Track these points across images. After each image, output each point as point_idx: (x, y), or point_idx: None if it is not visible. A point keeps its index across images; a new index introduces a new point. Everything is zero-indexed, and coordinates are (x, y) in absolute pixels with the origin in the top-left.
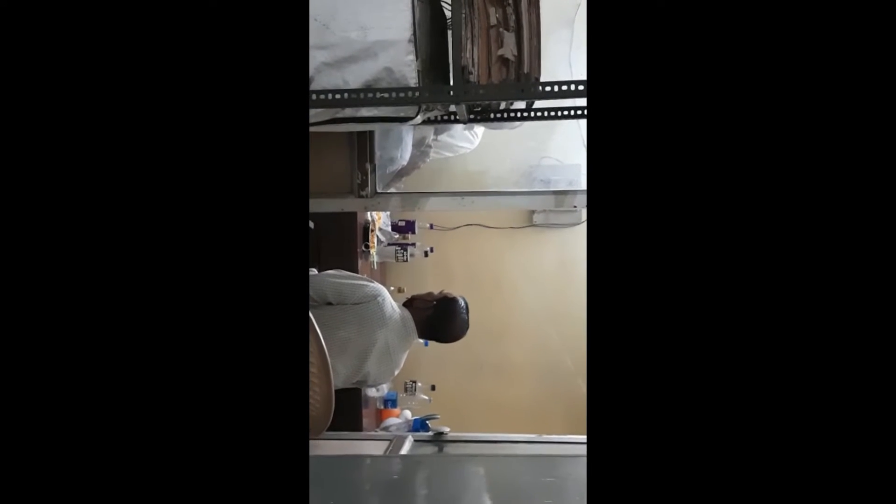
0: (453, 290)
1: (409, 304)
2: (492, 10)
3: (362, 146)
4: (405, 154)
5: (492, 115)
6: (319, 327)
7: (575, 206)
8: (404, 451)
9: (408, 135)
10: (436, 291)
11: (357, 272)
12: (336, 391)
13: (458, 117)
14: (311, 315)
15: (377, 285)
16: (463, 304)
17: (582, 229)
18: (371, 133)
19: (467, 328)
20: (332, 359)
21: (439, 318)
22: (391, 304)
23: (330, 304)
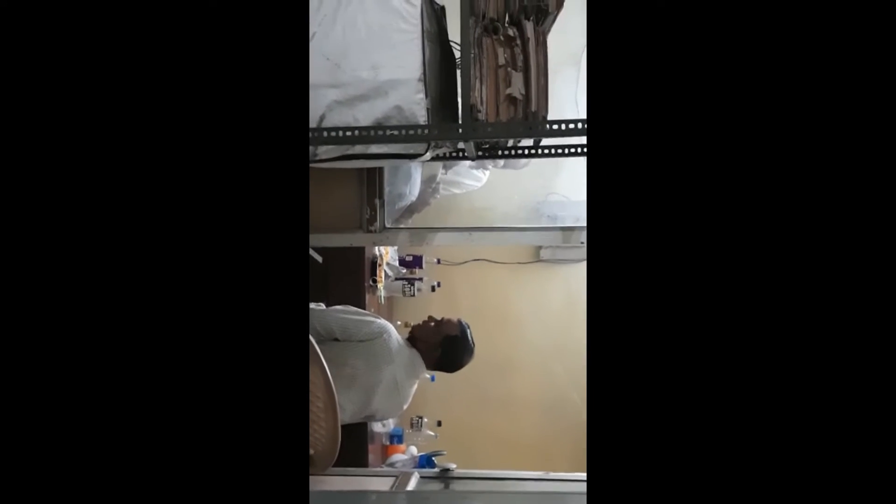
0: None
1: (412, 339)
2: (500, 50)
3: (371, 182)
4: (414, 190)
5: (500, 153)
6: (326, 363)
7: (582, 242)
8: (410, 487)
9: (416, 171)
10: (437, 316)
11: (364, 306)
12: (342, 426)
13: (466, 154)
14: (318, 349)
15: (383, 322)
16: (465, 332)
17: None
18: (380, 169)
19: (473, 353)
20: (339, 395)
21: (448, 359)
22: (397, 341)
23: (336, 340)
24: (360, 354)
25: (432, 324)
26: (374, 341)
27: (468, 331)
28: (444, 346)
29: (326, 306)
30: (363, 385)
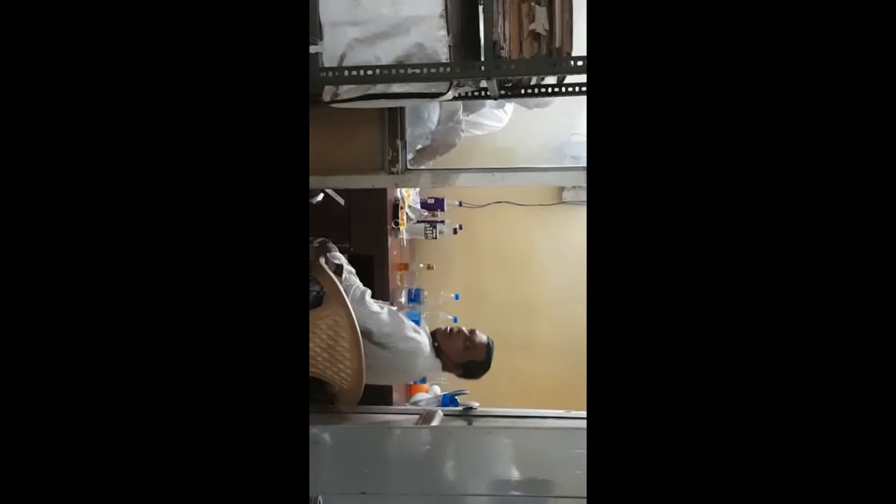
0: (482, 269)
1: (437, 349)
2: None
3: (393, 123)
4: (432, 124)
5: (523, 91)
6: None
7: None
8: (434, 424)
9: (434, 110)
10: (465, 329)
11: (387, 249)
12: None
13: (489, 93)
14: (343, 293)
15: (420, 342)
16: (490, 356)
17: None
18: (402, 109)
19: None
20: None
21: (465, 375)
22: (424, 359)
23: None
24: (383, 356)
25: (461, 342)
26: (402, 358)
27: (492, 352)
28: (466, 368)
29: (350, 248)
30: (374, 367)
